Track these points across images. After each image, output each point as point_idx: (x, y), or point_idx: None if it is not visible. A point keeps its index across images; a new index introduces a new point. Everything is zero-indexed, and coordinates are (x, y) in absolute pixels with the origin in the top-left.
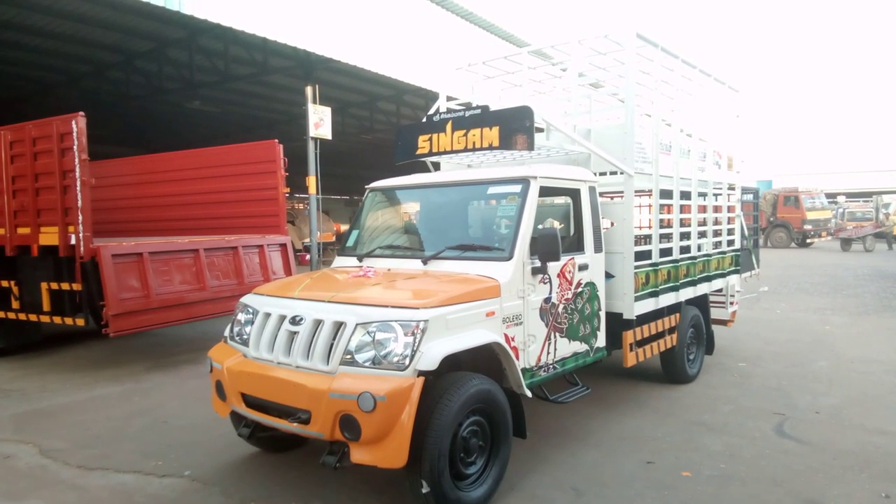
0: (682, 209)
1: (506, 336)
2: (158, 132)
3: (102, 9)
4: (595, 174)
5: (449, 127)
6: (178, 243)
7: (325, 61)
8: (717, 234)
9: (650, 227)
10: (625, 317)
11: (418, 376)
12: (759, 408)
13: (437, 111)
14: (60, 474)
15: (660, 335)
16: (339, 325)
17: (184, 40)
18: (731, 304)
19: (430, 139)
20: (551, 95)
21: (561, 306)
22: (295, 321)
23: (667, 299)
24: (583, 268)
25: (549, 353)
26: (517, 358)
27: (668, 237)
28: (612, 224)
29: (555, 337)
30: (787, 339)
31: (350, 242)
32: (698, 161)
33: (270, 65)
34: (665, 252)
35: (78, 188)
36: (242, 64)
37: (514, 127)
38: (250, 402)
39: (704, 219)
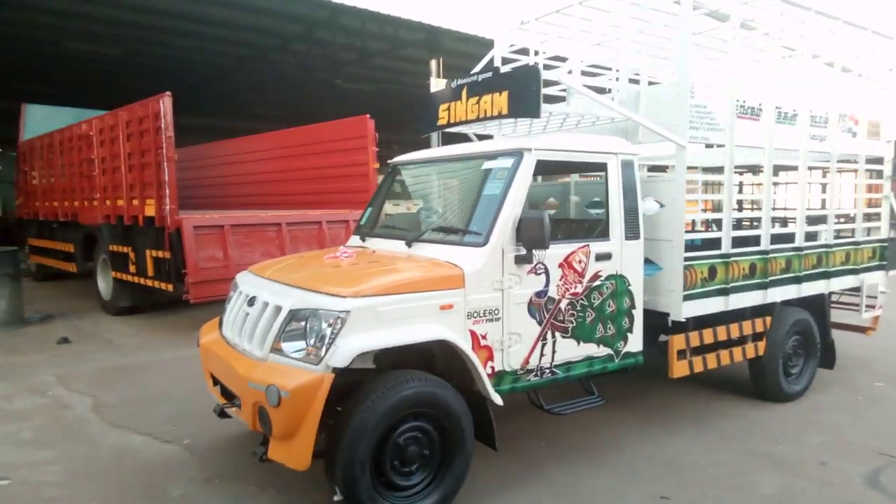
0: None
1: (472, 333)
2: (311, 109)
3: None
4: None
5: (464, 94)
6: (261, 217)
7: (449, 33)
8: (845, 219)
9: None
10: (672, 318)
11: (333, 372)
12: (865, 444)
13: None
14: (90, 429)
15: (735, 342)
16: (278, 310)
17: (326, 21)
18: (872, 307)
19: (449, 108)
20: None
21: (565, 302)
22: (250, 302)
23: (745, 299)
24: (603, 257)
25: (543, 354)
26: (491, 358)
27: (750, 222)
28: (661, 205)
29: (554, 337)
30: None
31: (362, 221)
32: (812, 128)
33: (400, 38)
34: (745, 241)
35: (164, 163)
36: (378, 40)
37: (523, 91)
38: (215, 380)
39: (822, 200)
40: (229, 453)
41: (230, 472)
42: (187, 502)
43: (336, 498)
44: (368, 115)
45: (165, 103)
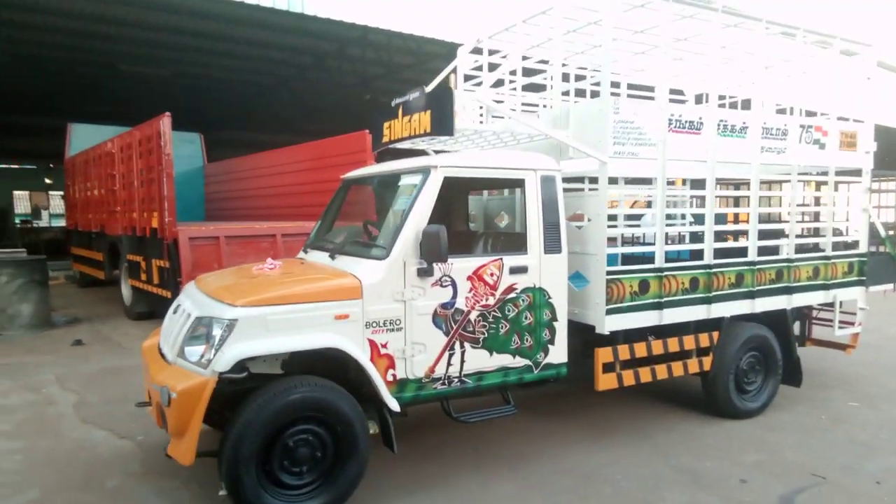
0: (734, 201)
1: (371, 342)
2: (342, 123)
3: (293, 19)
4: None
5: (400, 112)
6: (256, 228)
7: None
8: (814, 233)
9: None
10: (597, 331)
11: (219, 376)
12: (802, 464)
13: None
14: (63, 424)
15: (674, 356)
16: (188, 317)
17: (357, 39)
18: (850, 324)
19: (390, 126)
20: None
21: (475, 313)
22: (175, 310)
23: (684, 314)
24: (518, 270)
25: (451, 364)
26: (393, 366)
27: (691, 236)
28: (587, 219)
29: (463, 347)
30: None
31: (312, 234)
32: (767, 140)
33: (425, 52)
34: (686, 255)
35: (164, 180)
36: (406, 54)
37: (441, 111)
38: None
39: (780, 214)
40: None
41: (166, 468)
42: (117, 493)
43: (221, 493)
44: (367, 131)
45: (164, 123)
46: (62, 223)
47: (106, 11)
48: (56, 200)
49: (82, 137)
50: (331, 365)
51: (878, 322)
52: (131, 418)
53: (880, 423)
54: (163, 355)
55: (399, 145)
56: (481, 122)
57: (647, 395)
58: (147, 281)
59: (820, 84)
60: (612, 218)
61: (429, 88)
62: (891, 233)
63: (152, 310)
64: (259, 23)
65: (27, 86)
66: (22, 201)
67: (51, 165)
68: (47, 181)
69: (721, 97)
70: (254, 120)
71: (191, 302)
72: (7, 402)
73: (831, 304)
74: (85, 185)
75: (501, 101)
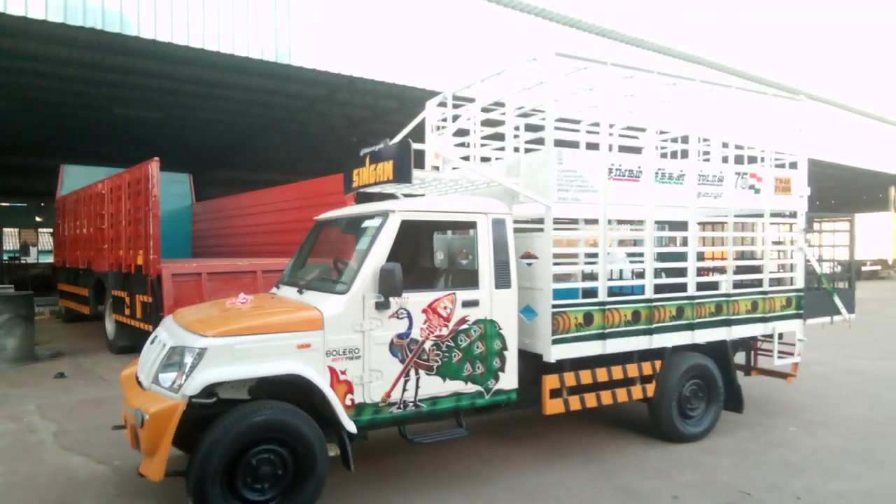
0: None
1: (331, 369)
2: (331, 164)
3: (286, 69)
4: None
5: (367, 160)
6: (237, 265)
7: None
8: (753, 270)
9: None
10: (544, 359)
11: (189, 401)
12: (732, 483)
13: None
14: (43, 451)
15: (619, 383)
16: (164, 347)
17: (346, 84)
18: (790, 354)
19: (359, 173)
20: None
21: (429, 343)
22: (152, 341)
23: (627, 344)
24: (470, 304)
25: (406, 390)
26: (351, 391)
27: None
28: (534, 256)
29: (418, 374)
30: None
31: (286, 270)
32: (703, 186)
33: (408, 97)
34: (628, 290)
35: (150, 220)
36: (391, 99)
37: (401, 161)
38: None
39: (714, 253)
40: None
41: (140, 490)
42: None
43: None
44: (343, 174)
45: (153, 167)
46: (50, 259)
47: (103, 60)
48: (45, 237)
49: (74, 178)
50: (295, 390)
51: (834, 355)
52: (109, 445)
53: (813, 448)
54: (139, 382)
55: (372, 189)
56: (455, 168)
57: (600, 421)
58: (131, 315)
59: (755, 134)
60: (573, 256)
61: (395, 140)
62: (838, 268)
63: (134, 344)
64: (251, 70)
65: (23, 128)
66: (11, 238)
67: (41, 204)
68: (37, 219)
69: (663, 146)
70: (246, 160)
71: (167, 333)
72: None
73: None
74: (74, 223)
75: (466, 151)
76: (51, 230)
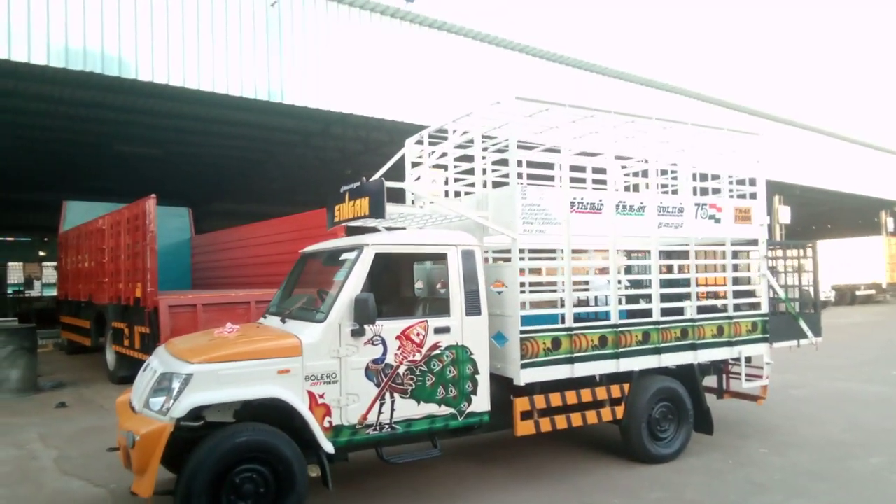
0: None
1: (310, 393)
2: (326, 195)
3: (279, 106)
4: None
5: (347, 196)
6: (231, 296)
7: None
8: (713, 296)
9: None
10: (514, 383)
11: (177, 423)
12: (696, 501)
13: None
14: (44, 475)
15: (588, 406)
16: (154, 373)
17: (339, 120)
18: (757, 377)
19: (340, 208)
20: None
21: (403, 368)
22: (144, 368)
23: (594, 368)
24: (442, 330)
25: (382, 412)
26: (329, 414)
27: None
28: (501, 285)
29: (393, 397)
30: (881, 427)
31: (273, 301)
32: (663, 217)
33: (399, 130)
34: (593, 316)
35: (147, 254)
36: (382, 132)
37: (375, 198)
38: None
39: (679, 280)
40: (140, 498)
41: None
42: None
43: None
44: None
45: (150, 204)
46: (53, 293)
47: (104, 99)
48: (48, 271)
49: (76, 213)
50: (278, 414)
51: (816, 377)
52: (107, 469)
53: (780, 467)
54: (132, 407)
55: (355, 223)
56: (429, 203)
57: (575, 442)
58: (130, 346)
59: (716, 167)
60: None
61: (374, 178)
62: (805, 293)
63: (134, 374)
64: (247, 107)
65: (26, 164)
66: (16, 272)
67: (45, 239)
68: (41, 253)
69: (627, 180)
70: (244, 192)
71: (158, 361)
72: None
73: (747, 359)
74: (77, 257)
75: (443, 186)
76: (54, 264)
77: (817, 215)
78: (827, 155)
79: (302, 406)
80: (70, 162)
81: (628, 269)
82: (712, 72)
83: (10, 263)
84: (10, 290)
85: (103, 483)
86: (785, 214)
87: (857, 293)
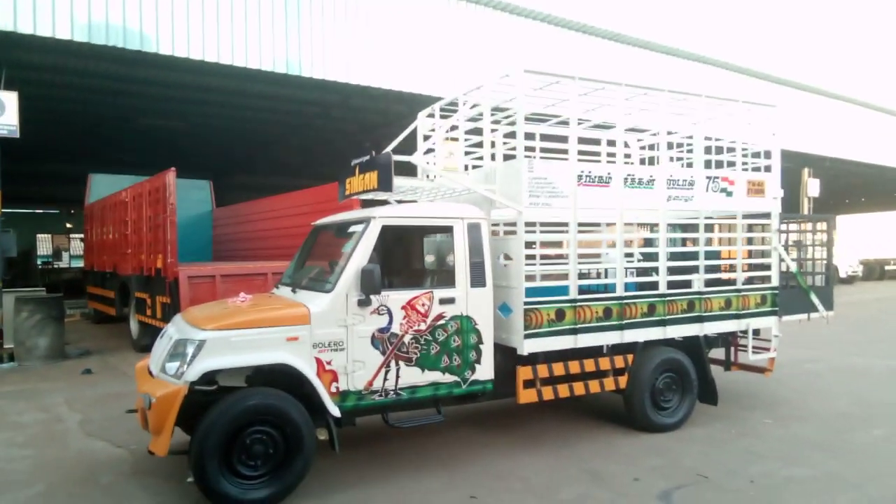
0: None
1: (318, 360)
2: (345, 167)
3: (306, 80)
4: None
5: (357, 170)
6: (249, 267)
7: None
8: (727, 269)
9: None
10: (518, 352)
11: (191, 386)
12: (693, 468)
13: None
14: (69, 437)
15: (591, 375)
16: (170, 340)
17: (359, 92)
18: (765, 350)
19: (350, 182)
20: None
21: (408, 337)
22: (161, 335)
23: (598, 339)
24: (447, 301)
25: (387, 379)
26: (336, 380)
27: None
28: (508, 258)
29: (398, 365)
30: (888, 401)
31: (287, 272)
32: (673, 190)
33: (418, 102)
34: (598, 288)
35: (168, 226)
36: (402, 104)
37: (383, 171)
38: None
39: (687, 253)
40: (158, 457)
41: (152, 469)
42: (109, 487)
43: (189, 480)
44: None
45: (170, 177)
46: (81, 264)
47: (127, 72)
48: (76, 243)
49: (101, 186)
50: (288, 380)
51: (832, 352)
52: (127, 432)
53: (781, 438)
54: (150, 372)
55: (367, 196)
56: (437, 177)
57: (580, 411)
58: (152, 316)
59: (730, 139)
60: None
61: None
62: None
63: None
64: (268, 79)
65: (52, 137)
66: (44, 243)
67: (71, 211)
68: (68, 225)
69: (643, 153)
70: (265, 164)
71: (174, 328)
72: (21, 420)
73: (755, 331)
74: (101, 229)
75: (452, 160)
76: (81, 236)
77: (851, 188)
78: (860, 126)
79: (310, 372)
80: (95, 135)
81: (650, 243)
82: (745, 39)
83: (39, 235)
84: (39, 262)
85: (124, 444)
86: (814, 187)
87: (887, 268)
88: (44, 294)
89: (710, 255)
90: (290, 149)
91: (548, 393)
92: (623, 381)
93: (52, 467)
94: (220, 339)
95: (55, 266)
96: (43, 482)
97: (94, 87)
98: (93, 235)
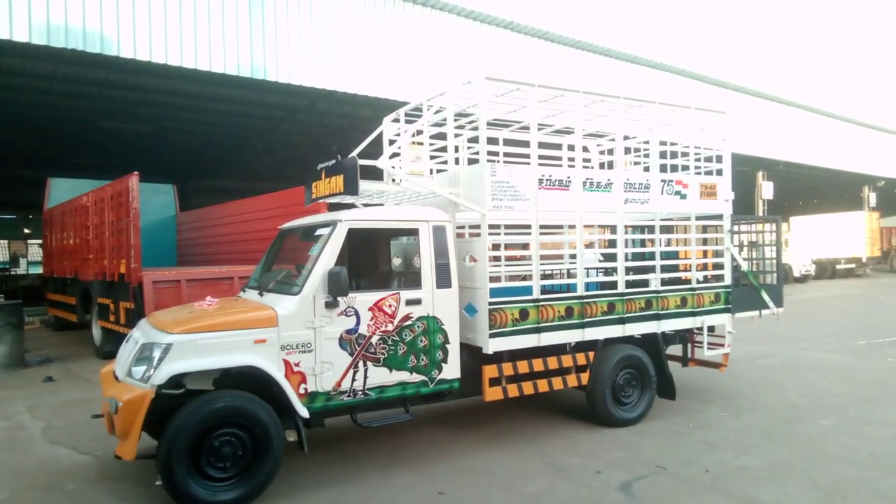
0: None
1: (286, 362)
2: (312, 171)
3: (271, 84)
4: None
5: (323, 174)
6: (214, 272)
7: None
8: (686, 268)
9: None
10: (483, 351)
11: (158, 390)
12: (651, 460)
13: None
14: (32, 444)
15: (554, 373)
16: (136, 344)
17: (325, 96)
18: (720, 346)
19: (317, 185)
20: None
21: (376, 338)
22: (127, 339)
23: (561, 337)
24: (413, 302)
25: (355, 380)
26: (304, 381)
27: (558, 272)
28: (473, 259)
29: (366, 365)
30: (834, 392)
31: (253, 276)
32: (630, 193)
33: (385, 106)
34: (561, 288)
35: (131, 230)
36: (367, 108)
37: (348, 175)
38: None
39: (643, 254)
40: (125, 462)
41: (118, 475)
42: (75, 494)
43: (157, 483)
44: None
45: (132, 182)
46: (39, 271)
47: (88, 74)
48: (34, 249)
49: (61, 191)
50: (256, 382)
51: (786, 348)
52: (92, 438)
53: (734, 429)
54: (116, 377)
55: (332, 200)
56: (401, 181)
57: (545, 408)
58: (115, 322)
59: (683, 144)
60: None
61: (355, 152)
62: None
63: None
64: (233, 83)
65: (10, 141)
66: (1, 250)
67: (29, 216)
68: (26, 231)
69: (602, 158)
70: (231, 168)
71: (140, 332)
72: None
73: (710, 328)
74: (61, 234)
75: (418, 164)
76: (39, 242)
77: (804, 191)
78: (811, 131)
79: (278, 374)
80: (55, 138)
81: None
82: (699, 48)
83: None
84: None
85: (89, 450)
86: (767, 190)
87: (838, 267)
88: (2, 301)
89: (666, 255)
90: (257, 152)
91: (513, 390)
92: (585, 377)
93: (15, 475)
94: (187, 343)
95: (12, 273)
96: (7, 490)
97: (53, 90)
98: (52, 241)
